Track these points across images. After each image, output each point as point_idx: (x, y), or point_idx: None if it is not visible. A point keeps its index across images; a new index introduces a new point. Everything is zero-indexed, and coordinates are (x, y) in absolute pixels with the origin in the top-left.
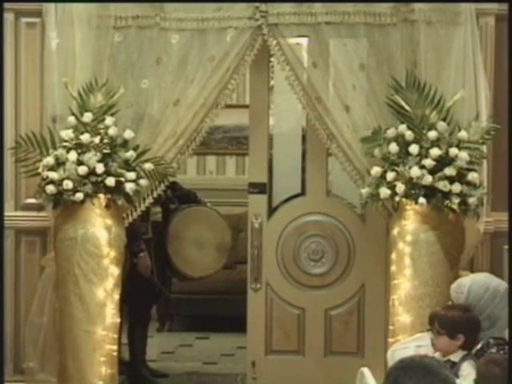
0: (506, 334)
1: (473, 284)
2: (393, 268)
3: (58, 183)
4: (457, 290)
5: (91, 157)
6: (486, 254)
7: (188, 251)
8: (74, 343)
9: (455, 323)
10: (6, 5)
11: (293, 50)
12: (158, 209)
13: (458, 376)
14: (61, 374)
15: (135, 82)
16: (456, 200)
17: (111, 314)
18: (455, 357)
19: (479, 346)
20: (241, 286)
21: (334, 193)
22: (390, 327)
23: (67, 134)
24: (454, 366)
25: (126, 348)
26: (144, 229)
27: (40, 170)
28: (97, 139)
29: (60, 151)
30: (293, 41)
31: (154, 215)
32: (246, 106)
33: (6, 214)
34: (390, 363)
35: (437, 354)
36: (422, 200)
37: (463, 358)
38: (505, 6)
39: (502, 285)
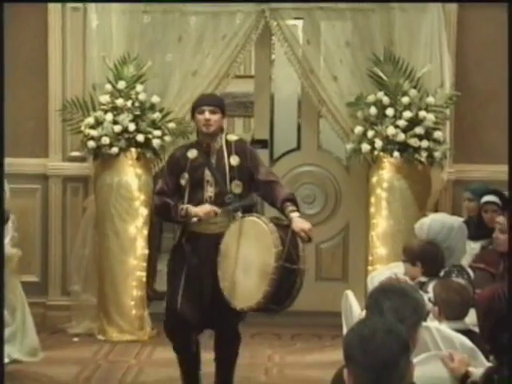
0: (463, 262)
1: (432, 222)
2: (372, 209)
3: (97, 139)
4: (419, 228)
5: (124, 118)
6: (449, 198)
7: None
8: (110, 270)
9: (413, 253)
10: None
11: (290, 30)
12: None
13: (426, 291)
14: (100, 295)
15: (160, 56)
16: (424, 154)
17: (141, 247)
18: (422, 279)
19: (442, 272)
20: None
21: (324, 148)
22: (370, 258)
23: (105, 98)
24: (423, 286)
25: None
26: None
27: (82, 129)
28: (129, 103)
29: (99, 113)
30: (290, 22)
31: None
32: (252, 76)
33: (54, 163)
34: (370, 287)
35: (408, 280)
36: (396, 154)
37: (430, 280)
38: None
39: (456, 222)
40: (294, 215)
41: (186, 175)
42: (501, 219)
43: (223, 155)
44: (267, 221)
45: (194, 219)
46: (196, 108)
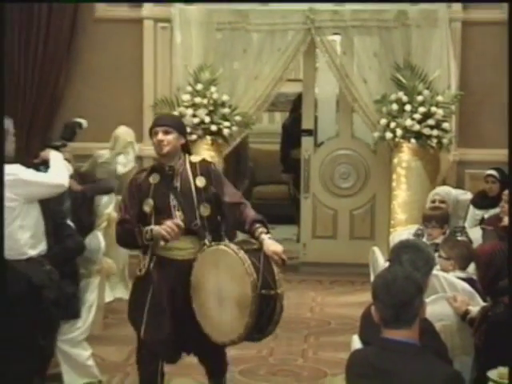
0: (466, 224)
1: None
2: (394, 184)
3: None
4: (446, 194)
5: (201, 112)
6: (454, 175)
7: None
8: None
9: (443, 218)
10: (147, 13)
11: (330, 44)
12: None
13: (438, 251)
14: None
15: (229, 64)
16: (435, 140)
17: None
18: (438, 240)
19: (448, 232)
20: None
21: (356, 136)
22: (392, 222)
23: (186, 97)
24: (437, 246)
25: None
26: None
27: None
28: (205, 101)
29: (182, 109)
30: (330, 38)
31: None
32: (300, 80)
33: (147, 147)
34: (392, 244)
35: (424, 239)
36: (412, 141)
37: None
38: (469, 14)
39: (461, 195)
40: (265, 237)
41: (151, 201)
42: (507, 192)
43: (188, 178)
44: (237, 249)
45: (162, 243)
46: (150, 130)
